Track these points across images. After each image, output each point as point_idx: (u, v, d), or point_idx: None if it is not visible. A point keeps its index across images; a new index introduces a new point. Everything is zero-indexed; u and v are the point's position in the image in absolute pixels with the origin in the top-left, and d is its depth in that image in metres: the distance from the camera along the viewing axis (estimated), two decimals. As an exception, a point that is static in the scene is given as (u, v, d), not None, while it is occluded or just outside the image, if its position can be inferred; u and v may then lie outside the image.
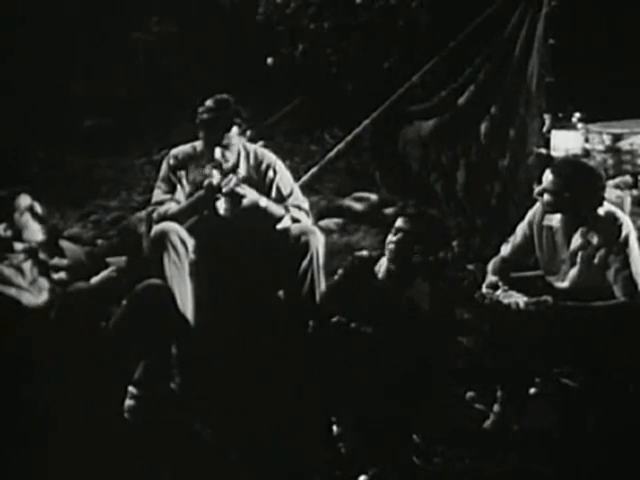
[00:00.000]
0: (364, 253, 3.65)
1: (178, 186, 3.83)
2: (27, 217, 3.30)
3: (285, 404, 3.31)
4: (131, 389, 3.21)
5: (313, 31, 7.17)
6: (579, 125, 5.32)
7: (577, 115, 5.34)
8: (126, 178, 7.40)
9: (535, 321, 3.24)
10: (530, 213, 3.54)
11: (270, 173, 3.89)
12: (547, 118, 5.14)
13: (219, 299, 3.67)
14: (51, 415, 3.04)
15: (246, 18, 7.76)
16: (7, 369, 3.06)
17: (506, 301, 3.33)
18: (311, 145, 7.89)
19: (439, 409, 3.36)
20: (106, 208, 6.56)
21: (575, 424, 3.36)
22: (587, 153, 5.27)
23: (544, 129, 5.14)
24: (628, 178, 5.12)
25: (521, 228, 3.57)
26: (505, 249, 3.60)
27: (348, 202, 6.30)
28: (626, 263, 3.27)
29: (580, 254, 3.37)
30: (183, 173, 3.84)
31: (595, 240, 3.33)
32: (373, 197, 6.29)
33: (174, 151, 3.92)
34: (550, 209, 3.40)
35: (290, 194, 3.90)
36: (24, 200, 3.31)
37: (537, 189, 3.41)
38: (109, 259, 3.68)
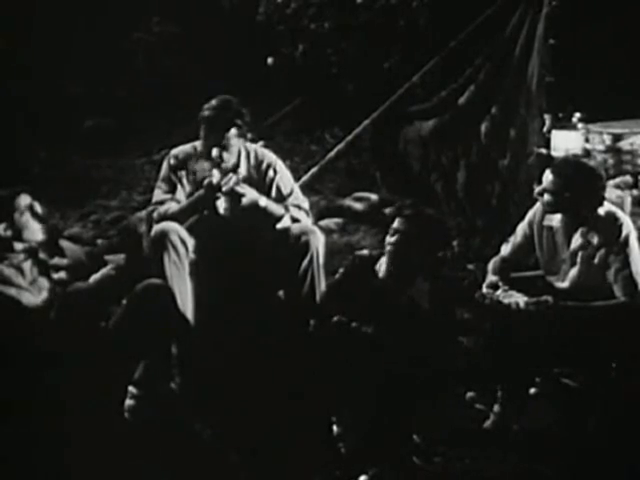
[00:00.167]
0: (365, 252, 3.65)
1: (178, 186, 3.82)
2: (27, 217, 3.29)
3: (285, 404, 3.31)
4: (131, 389, 3.21)
5: (313, 31, 7.19)
6: (579, 125, 5.31)
7: (577, 115, 5.33)
8: (126, 178, 7.40)
9: (535, 321, 3.24)
10: (530, 213, 3.54)
11: (270, 173, 3.89)
12: (547, 118, 5.14)
13: (219, 299, 3.67)
14: (51, 415, 3.03)
15: (246, 18, 7.77)
16: (7, 369, 3.05)
17: (506, 301, 3.33)
18: (311, 145, 7.89)
19: (439, 409, 3.36)
20: (106, 208, 6.55)
21: (575, 424, 3.36)
22: (587, 153, 5.26)
23: (544, 129, 5.14)
24: (628, 178, 5.11)
25: (521, 228, 3.57)
26: (505, 249, 3.60)
27: (348, 202, 6.30)
28: (626, 263, 3.27)
29: (580, 254, 3.36)
30: (183, 173, 3.84)
31: (595, 240, 3.33)
32: (373, 197, 6.29)
33: (174, 151, 3.91)
34: (550, 209, 3.40)
35: (290, 194, 3.90)
36: (24, 200, 3.30)
37: (537, 189, 3.41)
38: (108, 257, 3.67)
